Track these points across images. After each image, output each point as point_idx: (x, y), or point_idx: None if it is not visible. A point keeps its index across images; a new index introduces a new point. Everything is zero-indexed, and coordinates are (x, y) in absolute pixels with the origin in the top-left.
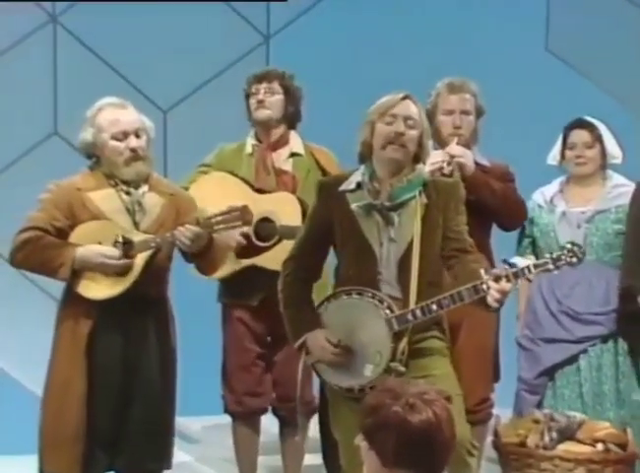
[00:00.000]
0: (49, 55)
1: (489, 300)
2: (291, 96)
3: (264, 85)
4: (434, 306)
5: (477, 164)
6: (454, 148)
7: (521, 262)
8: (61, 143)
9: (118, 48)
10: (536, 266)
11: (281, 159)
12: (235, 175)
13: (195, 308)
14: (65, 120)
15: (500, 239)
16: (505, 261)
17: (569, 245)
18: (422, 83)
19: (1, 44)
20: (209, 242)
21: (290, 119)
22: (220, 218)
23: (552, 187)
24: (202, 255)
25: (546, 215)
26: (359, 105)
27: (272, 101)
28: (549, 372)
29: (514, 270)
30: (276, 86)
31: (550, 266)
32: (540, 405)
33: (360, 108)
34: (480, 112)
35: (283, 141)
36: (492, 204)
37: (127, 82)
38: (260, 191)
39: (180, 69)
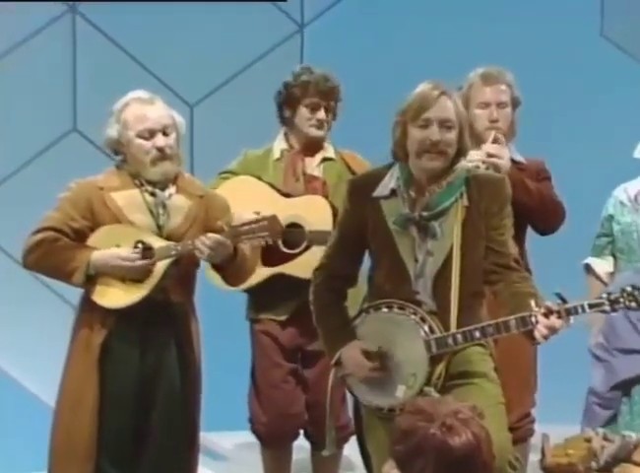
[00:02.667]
0: (68, 47)
1: (536, 334)
2: (336, 109)
3: (327, 103)
4: (477, 334)
5: (512, 161)
6: (491, 147)
7: (597, 265)
8: (81, 140)
9: (141, 39)
10: (590, 306)
11: (312, 165)
12: (261, 180)
13: (227, 319)
14: (85, 116)
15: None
16: (558, 295)
17: (629, 288)
18: (467, 72)
19: (16, 36)
20: (234, 253)
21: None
22: (246, 227)
23: (637, 183)
24: (226, 266)
25: (630, 214)
26: (396, 96)
27: (329, 121)
28: (625, 386)
29: (567, 306)
30: (333, 104)
31: (607, 308)
32: (612, 421)
33: (397, 99)
34: (516, 104)
35: (317, 147)
36: (528, 204)
37: (151, 74)
38: (287, 195)
39: (208, 60)
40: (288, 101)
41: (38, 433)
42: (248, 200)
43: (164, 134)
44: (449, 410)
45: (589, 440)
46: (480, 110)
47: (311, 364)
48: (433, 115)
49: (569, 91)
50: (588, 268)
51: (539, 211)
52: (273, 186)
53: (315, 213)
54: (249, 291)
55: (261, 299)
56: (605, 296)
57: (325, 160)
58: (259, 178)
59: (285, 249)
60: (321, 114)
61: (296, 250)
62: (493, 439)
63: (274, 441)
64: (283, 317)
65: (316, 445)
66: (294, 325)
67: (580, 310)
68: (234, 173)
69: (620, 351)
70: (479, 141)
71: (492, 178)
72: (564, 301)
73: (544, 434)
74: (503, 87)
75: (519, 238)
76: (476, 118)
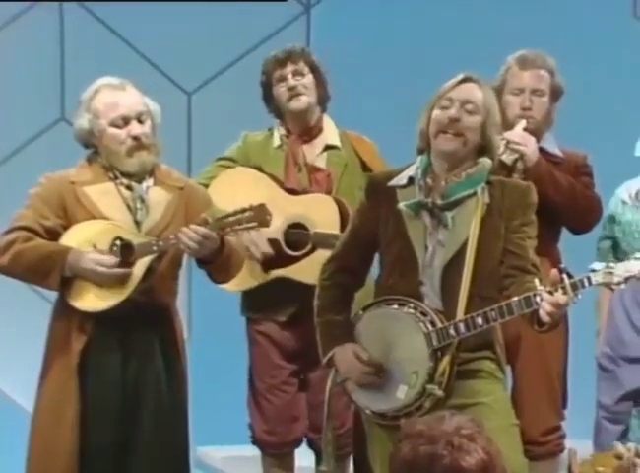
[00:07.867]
0: (56, 31)
1: (541, 313)
2: (319, 73)
3: (289, 68)
4: (480, 320)
5: (547, 153)
6: (513, 133)
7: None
8: (69, 130)
9: (136, 22)
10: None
11: (314, 153)
12: (262, 172)
13: (218, 326)
14: (74, 105)
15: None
16: (564, 270)
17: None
18: (489, 56)
19: (0, 21)
20: (220, 246)
21: (323, 101)
22: (232, 218)
23: (639, 181)
24: (212, 261)
25: (630, 212)
26: (404, 78)
27: (305, 84)
28: (633, 397)
29: (573, 280)
30: (302, 66)
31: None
32: (624, 436)
33: (407, 82)
34: (556, 93)
35: (316, 130)
36: (557, 201)
37: (146, 60)
38: (291, 191)
39: (207, 45)
40: (265, 90)
41: (16, 438)
42: (249, 196)
43: (139, 121)
44: (451, 427)
45: (620, 457)
46: (512, 96)
47: (314, 364)
48: (455, 95)
49: (600, 74)
50: None
51: (568, 208)
52: (275, 179)
53: (321, 214)
54: (247, 292)
55: (259, 300)
56: (613, 265)
57: (328, 147)
58: (260, 169)
59: (287, 251)
60: (290, 81)
61: (300, 253)
62: (508, 464)
63: (275, 448)
64: (281, 319)
65: (320, 456)
66: (296, 329)
67: (587, 283)
68: (233, 160)
69: (626, 359)
70: (508, 130)
71: (518, 184)
72: (570, 275)
73: (570, 448)
74: (542, 72)
75: (550, 238)
76: (507, 105)
